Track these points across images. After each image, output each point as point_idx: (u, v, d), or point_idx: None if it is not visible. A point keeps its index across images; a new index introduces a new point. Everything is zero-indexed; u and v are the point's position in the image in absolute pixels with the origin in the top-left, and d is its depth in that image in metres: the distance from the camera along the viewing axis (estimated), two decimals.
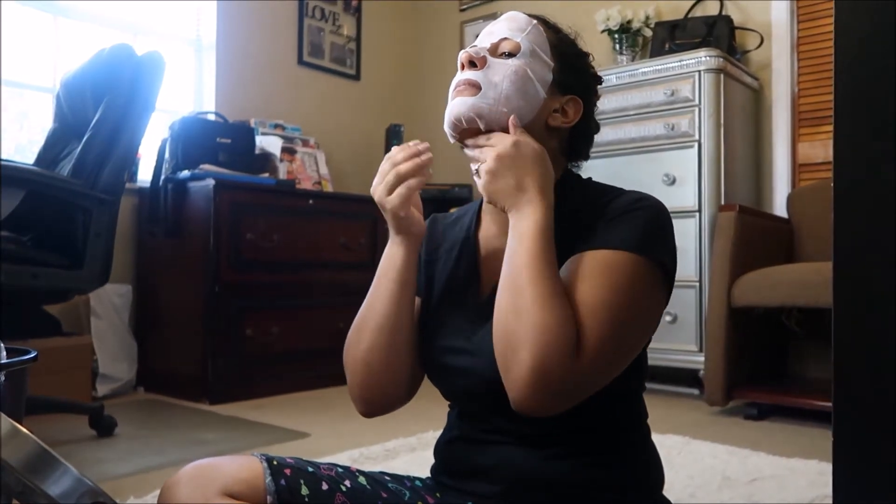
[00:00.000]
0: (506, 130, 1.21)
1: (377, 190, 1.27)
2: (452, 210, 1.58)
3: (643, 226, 1.17)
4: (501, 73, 1.24)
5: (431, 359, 1.36)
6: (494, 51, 1.28)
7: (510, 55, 1.26)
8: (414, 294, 1.33)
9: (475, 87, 1.25)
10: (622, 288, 1.11)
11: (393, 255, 1.31)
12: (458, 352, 1.28)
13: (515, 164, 1.16)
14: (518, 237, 1.13)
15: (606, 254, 1.14)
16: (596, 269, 1.13)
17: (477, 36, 1.36)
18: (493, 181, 1.17)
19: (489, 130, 1.23)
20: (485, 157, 1.19)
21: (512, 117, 1.22)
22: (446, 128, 1.29)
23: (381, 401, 1.34)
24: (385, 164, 1.28)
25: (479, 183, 1.19)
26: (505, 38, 1.28)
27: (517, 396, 1.07)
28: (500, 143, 1.18)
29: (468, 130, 1.25)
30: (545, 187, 1.17)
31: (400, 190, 1.25)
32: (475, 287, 1.33)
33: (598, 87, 1.39)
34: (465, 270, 1.35)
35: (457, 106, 1.25)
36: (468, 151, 1.25)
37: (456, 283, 1.36)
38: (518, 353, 1.05)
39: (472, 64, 1.27)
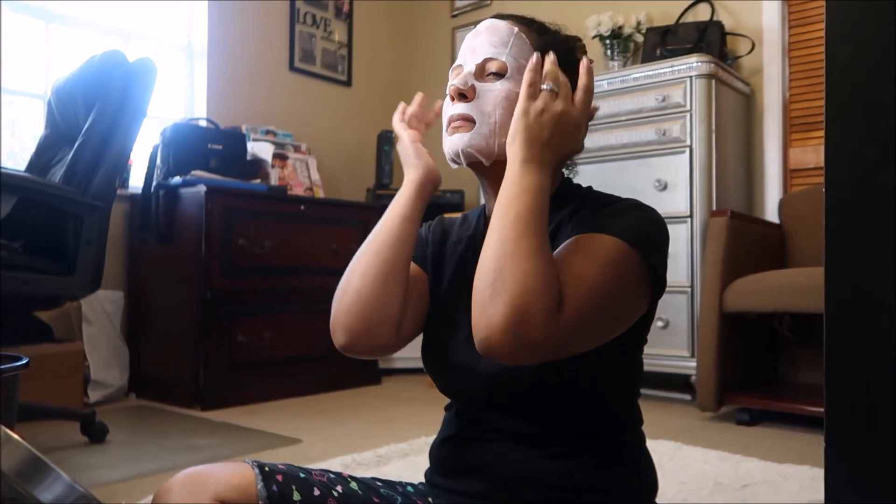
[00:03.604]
0: (505, 157, 1.18)
1: (396, 127, 1.43)
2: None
3: (642, 226, 1.18)
4: (492, 101, 1.24)
5: (432, 353, 1.36)
6: (481, 73, 1.27)
7: (497, 75, 1.26)
8: (415, 234, 1.34)
9: (469, 121, 1.25)
10: (609, 269, 1.11)
11: (401, 193, 1.35)
12: (460, 348, 1.29)
13: (557, 135, 1.16)
14: (522, 188, 1.11)
15: (601, 236, 1.14)
16: (588, 246, 1.13)
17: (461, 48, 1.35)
18: (537, 119, 1.15)
19: (492, 163, 1.25)
20: (547, 96, 1.17)
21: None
22: (447, 160, 1.31)
23: (364, 334, 1.29)
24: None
25: (524, 105, 1.16)
26: (489, 59, 1.26)
27: (489, 335, 1.04)
28: (572, 112, 1.18)
29: (472, 163, 1.28)
30: (562, 161, 1.22)
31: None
32: None
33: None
34: (470, 267, 1.35)
35: (455, 143, 1.26)
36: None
37: (461, 280, 1.36)
38: (500, 294, 1.03)
39: (462, 96, 1.26)
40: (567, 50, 1.30)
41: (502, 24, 1.29)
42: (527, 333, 1.01)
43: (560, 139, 1.16)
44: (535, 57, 1.19)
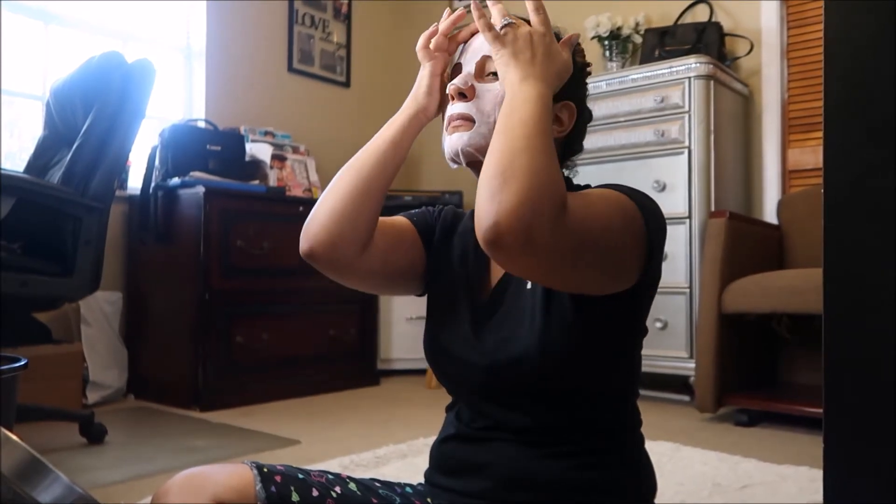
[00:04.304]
0: None
1: (419, 53, 1.41)
2: None
3: (644, 199, 1.19)
4: (492, 101, 1.24)
5: (434, 341, 1.37)
6: (481, 71, 1.28)
7: (496, 75, 1.26)
8: (400, 161, 1.36)
9: (469, 120, 1.26)
10: (614, 209, 1.12)
11: (396, 119, 1.37)
12: (462, 336, 1.31)
13: (539, 51, 1.18)
14: (524, 99, 1.11)
15: (608, 189, 1.16)
16: (596, 191, 1.15)
17: (461, 44, 1.36)
18: (512, 46, 1.18)
19: None
20: (515, 28, 1.20)
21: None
22: (447, 159, 1.31)
23: (327, 244, 1.29)
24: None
25: (496, 45, 1.19)
26: (489, 57, 1.27)
27: (499, 221, 0.98)
28: (537, 30, 1.20)
29: (471, 162, 1.27)
30: (555, 84, 1.19)
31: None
32: (483, 280, 1.36)
33: (588, 76, 1.40)
34: (473, 260, 1.36)
35: (454, 142, 1.27)
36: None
37: (465, 272, 1.38)
38: (512, 182, 0.99)
39: (462, 95, 1.27)
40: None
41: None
42: (537, 224, 0.97)
43: (543, 54, 1.18)
44: (473, 3, 1.24)
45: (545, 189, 0.99)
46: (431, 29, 1.40)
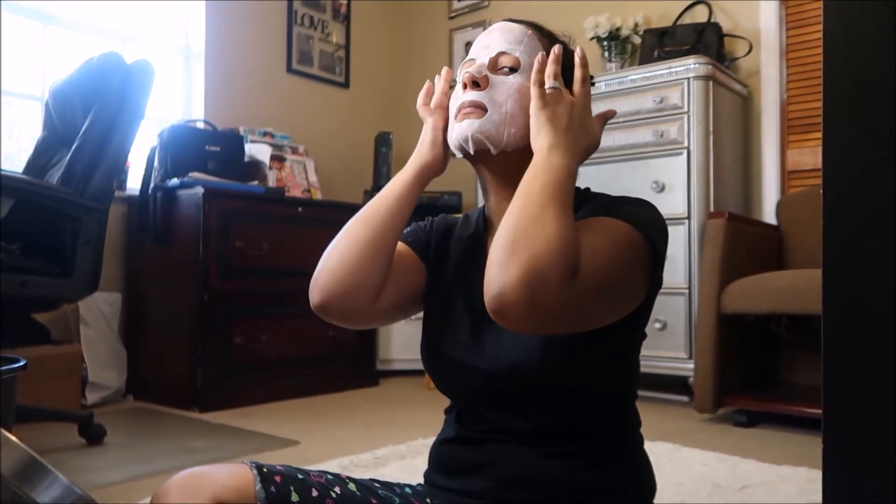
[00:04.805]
0: (514, 150, 1.24)
1: (420, 111, 1.45)
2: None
3: (644, 214, 1.20)
4: (505, 92, 1.25)
5: (432, 349, 1.37)
6: (494, 66, 1.29)
7: (511, 70, 1.28)
8: (408, 213, 1.37)
9: (481, 108, 1.26)
10: (619, 245, 1.12)
11: (404, 172, 1.40)
12: (460, 344, 1.31)
13: (575, 123, 1.20)
14: (549, 167, 1.13)
15: (610, 219, 1.16)
16: (599, 225, 1.14)
17: (469, 44, 1.37)
18: (553, 110, 1.20)
19: (500, 152, 1.26)
20: (558, 96, 1.22)
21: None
22: (453, 148, 1.32)
23: (339, 296, 1.29)
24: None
25: (540, 102, 1.21)
26: (503, 53, 1.29)
27: (504, 291, 1.01)
28: (578, 102, 1.23)
29: (479, 152, 1.28)
30: (581, 158, 1.21)
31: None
32: (482, 286, 1.35)
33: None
34: (470, 266, 1.36)
35: (464, 128, 1.27)
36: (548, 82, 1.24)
37: (463, 279, 1.37)
38: (520, 252, 1.02)
39: (475, 84, 1.27)
40: (570, 60, 1.32)
41: (516, 25, 1.33)
42: (542, 293, 0.99)
43: (578, 126, 1.20)
44: (541, 55, 1.24)
45: (553, 258, 1.01)
46: (427, 87, 1.44)
